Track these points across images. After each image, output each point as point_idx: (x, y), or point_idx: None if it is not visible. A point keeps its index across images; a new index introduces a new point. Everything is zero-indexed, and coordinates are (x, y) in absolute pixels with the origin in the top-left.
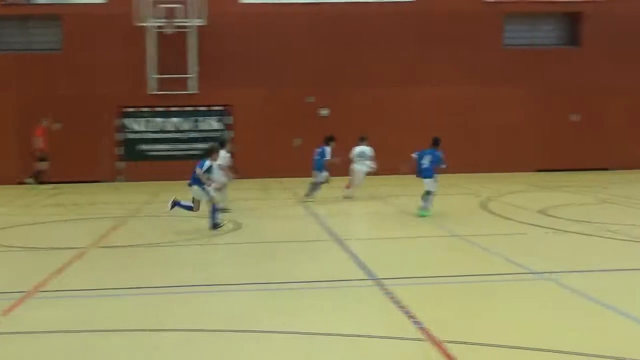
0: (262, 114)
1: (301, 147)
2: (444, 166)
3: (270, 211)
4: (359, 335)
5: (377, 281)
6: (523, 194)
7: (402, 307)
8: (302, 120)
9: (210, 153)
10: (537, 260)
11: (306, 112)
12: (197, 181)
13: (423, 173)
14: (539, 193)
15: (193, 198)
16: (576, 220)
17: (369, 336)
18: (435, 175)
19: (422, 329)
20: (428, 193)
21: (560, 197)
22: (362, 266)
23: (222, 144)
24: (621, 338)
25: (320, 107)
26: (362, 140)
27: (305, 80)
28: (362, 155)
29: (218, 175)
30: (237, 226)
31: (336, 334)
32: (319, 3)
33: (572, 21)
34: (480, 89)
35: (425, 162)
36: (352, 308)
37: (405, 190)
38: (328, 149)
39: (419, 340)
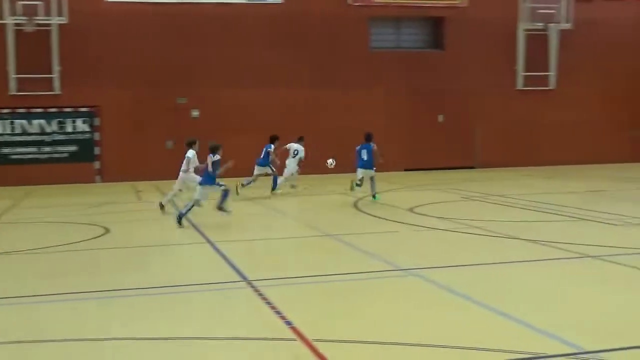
0: (132, 116)
1: (174, 148)
2: (381, 161)
3: (140, 215)
4: (227, 338)
5: (249, 283)
6: (392, 193)
7: (273, 308)
8: (173, 121)
9: (215, 149)
10: (406, 258)
11: (177, 113)
12: (209, 179)
13: (364, 164)
14: (407, 192)
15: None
16: (443, 218)
17: (238, 338)
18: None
19: (293, 329)
20: (372, 179)
21: (428, 195)
22: (234, 268)
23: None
24: (484, 330)
25: (191, 109)
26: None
27: (175, 81)
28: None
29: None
30: (105, 231)
31: (205, 337)
32: (188, 3)
33: (436, 25)
34: (348, 91)
35: (365, 155)
36: (222, 311)
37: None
38: (272, 147)
39: (290, 340)
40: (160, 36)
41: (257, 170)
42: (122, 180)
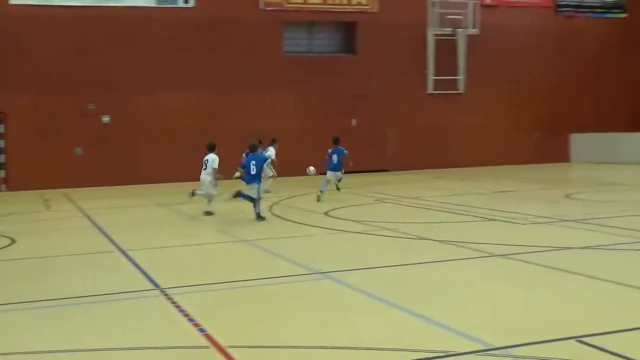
0: (39, 122)
1: (83, 155)
2: (351, 164)
3: (49, 224)
4: (139, 348)
5: (162, 291)
6: (307, 197)
7: (187, 316)
8: (83, 128)
9: (254, 148)
10: (321, 261)
11: (87, 119)
12: (255, 178)
13: (334, 167)
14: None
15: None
16: (357, 221)
17: (150, 348)
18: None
19: (207, 336)
20: (339, 180)
21: (343, 198)
22: (146, 276)
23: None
24: (397, 330)
25: (102, 114)
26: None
27: (85, 87)
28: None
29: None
30: (10, 242)
31: (115, 348)
32: (97, 7)
33: (348, 30)
34: (261, 95)
35: (335, 159)
36: (133, 320)
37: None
38: (272, 150)
39: (203, 347)
40: (69, 40)
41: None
42: (29, 189)
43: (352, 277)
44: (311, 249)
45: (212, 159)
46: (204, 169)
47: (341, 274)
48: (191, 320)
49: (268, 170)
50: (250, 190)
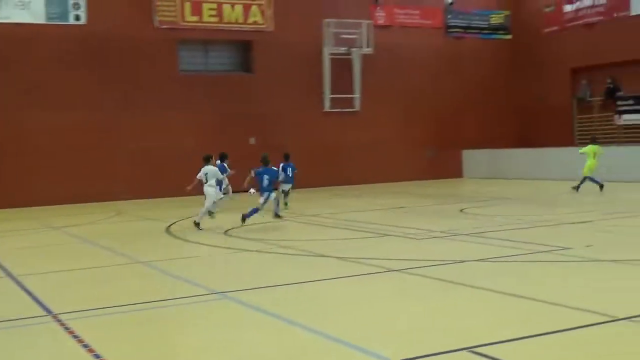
0: None
1: None
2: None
3: None
4: None
5: (54, 317)
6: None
7: (80, 342)
8: None
9: (266, 161)
10: (219, 281)
11: None
12: (269, 188)
13: (288, 180)
14: (222, 214)
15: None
16: (256, 239)
17: None
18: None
19: None
20: (288, 192)
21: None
22: (38, 302)
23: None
24: (294, 348)
25: None
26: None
27: None
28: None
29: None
30: None
31: None
32: None
33: (244, 49)
34: (158, 114)
35: (290, 172)
36: (24, 348)
37: (81, 219)
38: (224, 165)
39: None
40: None
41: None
42: None
43: (251, 296)
44: (210, 269)
45: (214, 171)
46: (206, 182)
47: (240, 293)
48: (85, 346)
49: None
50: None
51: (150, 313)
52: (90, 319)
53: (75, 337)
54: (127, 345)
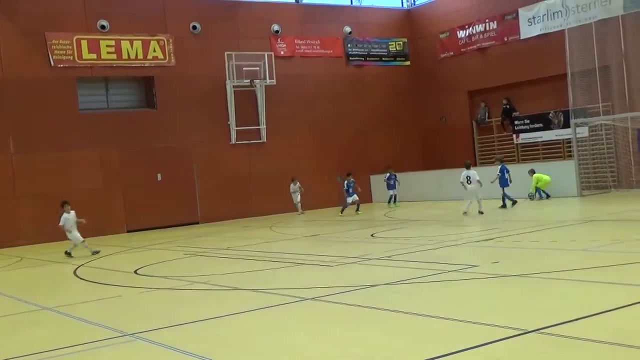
0: None
1: None
2: None
3: None
4: None
5: None
6: (114, 257)
7: None
8: None
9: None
10: (130, 321)
11: None
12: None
13: None
14: (130, 254)
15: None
16: (167, 277)
17: None
18: None
19: None
20: None
21: (152, 255)
22: None
23: None
24: None
25: None
26: None
27: None
28: None
29: None
30: None
31: None
32: None
33: (146, 85)
34: (60, 155)
35: None
36: None
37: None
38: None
39: None
40: None
41: None
42: None
43: (164, 335)
44: (119, 310)
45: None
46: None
47: (152, 333)
48: None
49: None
50: None
51: None
52: None
53: None
54: None
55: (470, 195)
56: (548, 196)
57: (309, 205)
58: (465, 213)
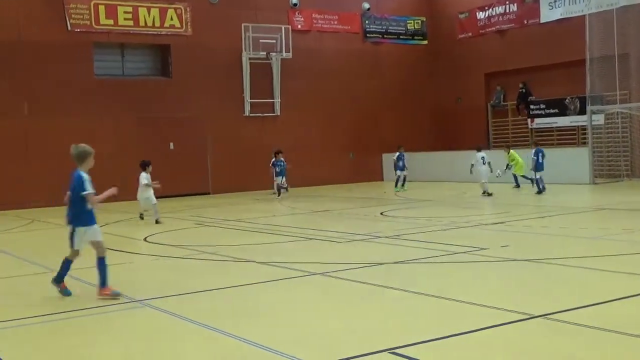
0: None
1: None
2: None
3: None
4: None
5: None
6: (125, 224)
7: None
8: None
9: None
10: (140, 288)
11: None
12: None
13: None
14: (142, 221)
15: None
16: (178, 246)
17: None
18: None
19: None
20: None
21: (163, 223)
22: None
23: None
24: (218, 353)
25: None
26: None
27: None
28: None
29: None
30: None
31: None
32: None
33: (161, 53)
34: (74, 120)
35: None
36: None
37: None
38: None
39: None
40: None
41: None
42: None
43: (174, 304)
44: (131, 277)
45: (142, 176)
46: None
47: (162, 300)
48: None
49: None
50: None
51: (67, 323)
52: (5, 331)
53: None
54: (42, 357)
55: (483, 176)
56: (519, 185)
57: (319, 181)
58: (490, 194)
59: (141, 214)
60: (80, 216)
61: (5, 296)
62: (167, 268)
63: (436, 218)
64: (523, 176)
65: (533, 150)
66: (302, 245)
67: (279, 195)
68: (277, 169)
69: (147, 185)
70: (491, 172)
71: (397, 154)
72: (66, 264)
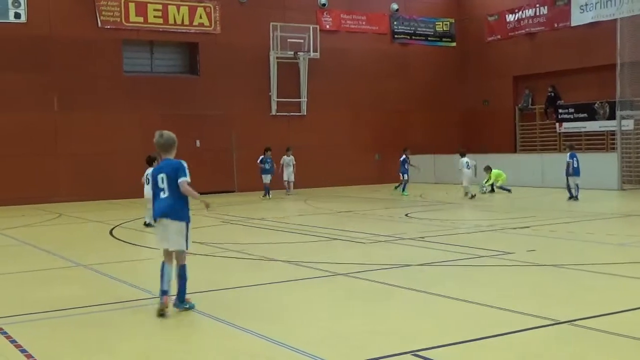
0: None
1: None
2: None
3: None
4: None
5: None
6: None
7: (18, 347)
8: None
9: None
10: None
11: None
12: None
13: None
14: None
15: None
16: (203, 243)
17: None
18: None
19: None
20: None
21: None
22: None
23: None
24: (241, 351)
25: None
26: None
27: None
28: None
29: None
30: None
31: None
32: None
33: (190, 51)
34: (102, 116)
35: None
36: None
37: (20, 221)
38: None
39: None
40: None
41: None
42: None
43: (197, 300)
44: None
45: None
46: (147, 184)
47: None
48: (23, 351)
49: None
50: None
51: (91, 317)
52: (29, 324)
53: (14, 342)
54: (67, 351)
55: (466, 180)
56: (510, 190)
57: (343, 182)
58: (473, 195)
59: (148, 222)
60: (185, 209)
61: (32, 289)
62: (192, 265)
63: (461, 220)
64: (500, 187)
65: (568, 154)
66: (325, 245)
67: (267, 195)
68: (266, 166)
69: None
70: (475, 176)
71: (403, 156)
72: (169, 271)
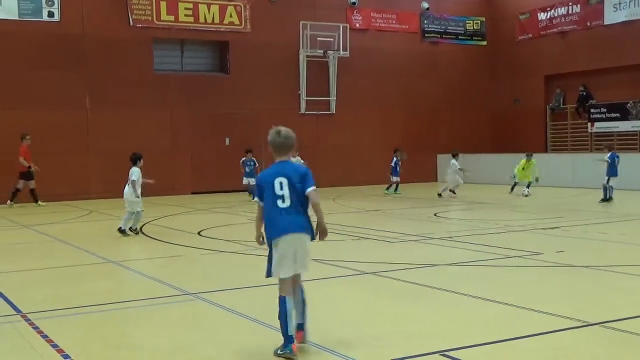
0: None
1: None
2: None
3: None
4: None
5: (23, 316)
6: (180, 217)
7: (50, 342)
8: None
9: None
10: (192, 282)
11: None
12: None
13: None
14: (195, 215)
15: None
16: (230, 240)
17: None
18: None
19: None
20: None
21: (216, 218)
22: (6, 301)
23: None
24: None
25: None
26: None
27: None
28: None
29: None
30: None
31: None
32: None
33: (220, 49)
34: (132, 114)
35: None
36: None
37: (52, 217)
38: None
39: None
40: None
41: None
42: None
43: (225, 297)
44: (183, 269)
45: (132, 171)
46: (128, 185)
47: (213, 294)
48: (55, 346)
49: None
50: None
51: (121, 313)
52: (60, 319)
53: (45, 337)
54: (95, 345)
55: (451, 180)
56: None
57: (372, 180)
58: (453, 192)
59: (123, 229)
60: (310, 223)
61: (62, 285)
62: (222, 262)
63: (491, 220)
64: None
65: (608, 155)
66: (354, 244)
67: (253, 197)
68: (247, 169)
69: (134, 181)
70: (461, 180)
71: (394, 158)
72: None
